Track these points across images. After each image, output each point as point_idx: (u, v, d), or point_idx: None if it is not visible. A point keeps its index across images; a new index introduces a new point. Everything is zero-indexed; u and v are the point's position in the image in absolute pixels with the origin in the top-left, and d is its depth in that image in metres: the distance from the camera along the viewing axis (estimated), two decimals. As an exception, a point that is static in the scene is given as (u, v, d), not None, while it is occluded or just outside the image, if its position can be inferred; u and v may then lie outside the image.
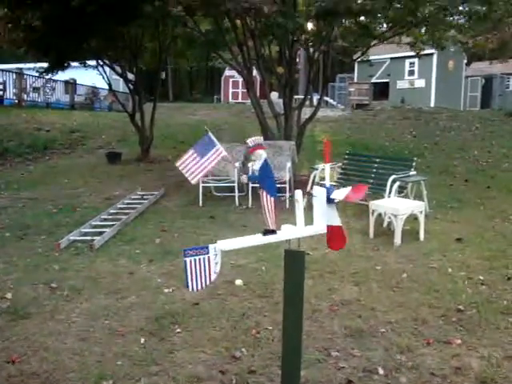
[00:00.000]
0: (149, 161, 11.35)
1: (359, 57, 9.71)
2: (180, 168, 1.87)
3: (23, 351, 3.13)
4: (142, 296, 4.04)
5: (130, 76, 11.63)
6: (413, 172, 6.01)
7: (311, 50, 8.48)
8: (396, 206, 5.08)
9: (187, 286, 1.86)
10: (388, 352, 2.97)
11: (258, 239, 1.93)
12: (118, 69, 11.48)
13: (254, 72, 11.78)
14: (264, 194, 1.93)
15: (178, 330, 3.38)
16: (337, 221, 2.02)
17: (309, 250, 5.02)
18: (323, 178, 7.61)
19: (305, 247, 5.12)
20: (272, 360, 2.94)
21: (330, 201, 1.98)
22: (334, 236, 2.02)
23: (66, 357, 3.05)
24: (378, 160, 6.60)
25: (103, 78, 10.81)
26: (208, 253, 1.85)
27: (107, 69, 11.19)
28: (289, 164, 7.09)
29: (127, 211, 6.94)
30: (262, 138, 1.96)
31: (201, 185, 7.42)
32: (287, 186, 7.00)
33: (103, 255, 5.17)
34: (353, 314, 3.52)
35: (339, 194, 1.97)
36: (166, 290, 4.15)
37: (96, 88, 19.42)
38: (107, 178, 9.87)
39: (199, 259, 1.84)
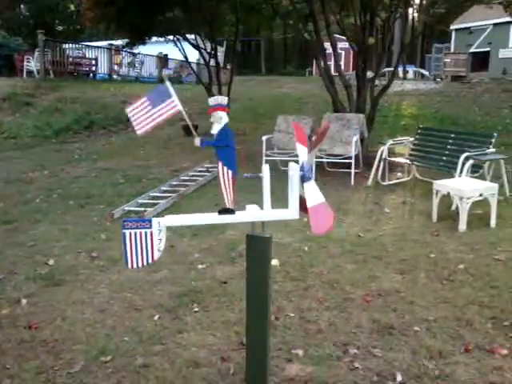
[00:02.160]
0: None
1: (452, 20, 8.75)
2: (129, 115, 1.64)
3: (43, 318, 3.15)
4: (173, 271, 3.94)
5: (209, 48, 11.54)
6: (491, 149, 5.27)
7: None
8: (462, 187, 4.47)
9: (125, 263, 1.64)
10: (415, 356, 2.57)
11: (211, 218, 1.66)
12: (200, 42, 11.47)
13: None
14: (220, 166, 1.65)
15: (196, 309, 3.22)
16: (319, 197, 1.68)
17: (361, 232, 4.64)
18: (394, 153, 7.04)
19: (356, 229, 4.81)
20: (281, 351, 2.68)
21: (305, 179, 1.65)
22: (319, 216, 1.69)
23: (79, 327, 3.02)
24: (452, 135, 5.88)
25: (179, 50, 10.84)
26: (151, 227, 1.62)
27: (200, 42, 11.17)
28: (355, 138, 6.60)
29: (188, 183, 6.92)
30: (226, 98, 1.66)
31: (264, 158, 7.20)
32: (353, 161, 6.54)
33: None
34: (387, 306, 3.13)
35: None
36: (200, 266, 4.01)
37: (185, 62, 19.71)
38: (180, 151, 9.99)
39: (140, 233, 1.61)
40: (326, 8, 7.28)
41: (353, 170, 6.52)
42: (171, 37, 11.04)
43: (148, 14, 9.15)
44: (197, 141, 1.66)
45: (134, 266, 1.64)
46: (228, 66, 22.77)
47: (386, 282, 3.49)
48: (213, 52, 11.19)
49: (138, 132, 1.64)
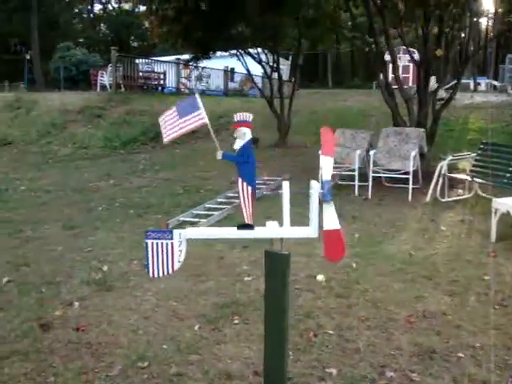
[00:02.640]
0: (286, 146, 11.35)
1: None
2: (160, 123, 1.70)
3: (91, 321, 3.29)
4: (220, 282, 3.99)
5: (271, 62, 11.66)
6: None
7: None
8: (523, 206, 4.22)
9: (147, 272, 1.69)
10: None
11: (230, 232, 1.68)
12: (263, 56, 11.62)
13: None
14: (240, 181, 1.67)
15: (236, 321, 3.25)
16: (334, 223, 1.65)
17: (413, 250, 4.49)
18: (456, 169, 6.76)
19: (408, 247, 4.65)
20: (315, 369, 2.64)
21: (325, 199, 1.62)
22: (332, 243, 1.66)
23: (123, 332, 3.13)
24: (519, 151, 5.58)
25: (242, 64, 11.05)
26: (172, 238, 1.66)
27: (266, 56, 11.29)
28: (413, 153, 6.40)
29: (244, 195, 7.01)
30: (251, 115, 1.68)
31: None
32: (410, 176, 6.34)
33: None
34: (431, 329, 2.99)
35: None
36: (246, 278, 4.04)
37: (249, 75, 20.08)
38: (240, 162, 10.13)
39: (162, 243, 1.66)
40: (386, 20, 7.16)
41: (410, 186, 6.32)
42: (234, 51, 11.28)
43: (213, 29, 9.43)
44: (219, 154, 1.70)
45: (156, 275, 1.69)
46: (293, 80, 22.97)
47: (432, 303, 3.35)
48: (275, 65, 11.29)
49: (165, 140, 1.70)
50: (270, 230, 1.70)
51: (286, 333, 1.71)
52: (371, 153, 6.61)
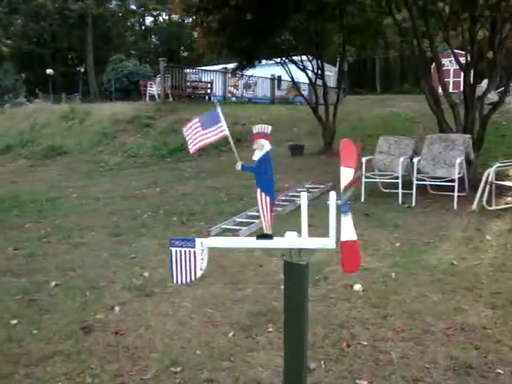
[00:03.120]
0: (330, 154, 11.28)
1: None
2: (185, 133, 1.76)
3: (129, 326, 3.40)
4: (257, 290, 4.02)
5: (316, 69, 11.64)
6: None
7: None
8: None
9: (172, 278, 1.75)
10: (491, 400, 2.36)
11: (249, 242, 1.70)
12: (308, 64, 11.63)
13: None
14: (259, 192, 1.69)
15: (270, 330, 3.26)
16: (352, 234, 1.65)
17: (456, 260, 4.36)
18: (508, 176, 6.50)
19: (451, 257, 4.51)
20: (346, 380, 2.61)
21: (343, 211, 1.62)
22: (348, 254, 1.65)
23: (159, 337, 3.21)
24: None
25: (286, 72, 11.10)
26: (194, 247, 1.71)
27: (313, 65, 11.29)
28: (459, 160, 6.21)
29: (285, 203, 7.02)
30: (269, 127, 1.71)
31: (364, 180, 7.08)
32: (456, 184, 6.15)
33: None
34: (470, 343, 2.90)
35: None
36: (283, 287, 4.04)
37: (296, 83, 20.13)
38: (285, 170, 10.14)
39: (185, 251, 1.71)
40: (430, 24, 7.01)
41: (456, 194, 6.14)
42: (279, 59, 11.34)
43: (257, 39, 9.54)
44: (238, 165, 1.73)
45: (179, 282, 1.74)
46: (340, 86, 22.77)
47: (472, 316, 3.24)
48: (319, 72, 11.27)
49: (191, 151, 1.75)
50: (287, 241, 1.71)
51: (305, 342, 1.72)
52: (415, 160, 6.47)
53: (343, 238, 1.64)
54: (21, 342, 3.19)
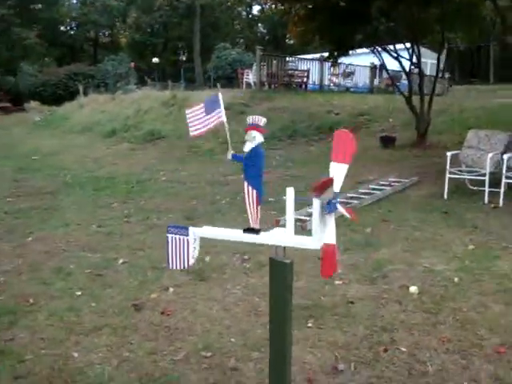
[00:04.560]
0: (423, 147, 10.69)
1: None
2: (187, 116, 1.78)
3: (177, 307, 3.54)
4: (310, 283, 3.96)
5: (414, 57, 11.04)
6: None
7: None
8: None
9: (167, 263, 1.78)
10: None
11: (236, 235, 1.68)
12: (404, 52, 11.09)
13: None
14: (246, 185, 1.66)
15: (310, 325, 3.21)
16: (332, 238, 1.55)
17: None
18: None
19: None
20: (372, 385, 2.50)
21: (326, 211, 1.53)
22: (325, 259, 1.56)
23: (200, 321, 3.30)
24: None
25: (379, 60, 10.66)
26: (187, 235, 1.73)
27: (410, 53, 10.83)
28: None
29: (363, 196, 6.81)
30: (263, 118, 1.66)
31: (447, 175, 6.64)
32: None
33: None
34: (521, 363, 2.62)
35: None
36: (337, 282, 3.96)
37: (397, 71, 19.27)
38: (372, 162, 9.81)
39: (179, 239, 1.73)
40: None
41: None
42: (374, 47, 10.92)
43: (348, 26, 9.27)
44: (229, 154, 1.72)
45: (174, 267, 1.78)
46: (446, 76, 21.41)
47: (535, 333, 2.92)
48: (416, 61, 10.68)
49: (191, 134, 1.77)
50: (271, 237, 1.67)
51: (289, 340, 1.67)
52: (505, 156, 5.91)
53: (329, 241, 1.56)
54: (79, 312, 3.47)
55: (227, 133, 1.68)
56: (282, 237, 1.65)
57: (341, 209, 1.53)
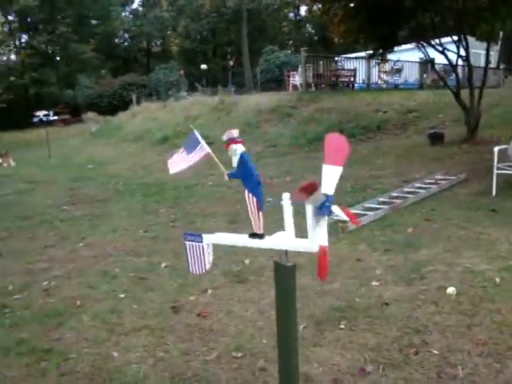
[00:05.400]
0: (474, 142, 10.33)
1: None
2: (168, 161, 1.85)
3: (213, 309, 3.64)
4: (346, 284, 3.97)
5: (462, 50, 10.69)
6: None
7: None
8: None
9: (188, 268, 1.87)
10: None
11: (242, 240, 1.74)
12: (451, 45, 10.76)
13: None
14: (246, 192, 1.71)
15: (342, 327, 3.22)
16: (324, 240, 1.58)
17: None
18: None
19: None
20: (399, 387, 2.49)
21: (318, 213, 1.55)
22: (319, 261, 1.59)
23: (234, 323, 3.39)
24: None
25: (425, 56, 10.39)
26: (202, 241, 1.81)
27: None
28: None
29: (408, 196, 6.69)
30: (236, 130, 1.70)
31: (495, 172, 6.41)
32: None
33: (349, 237, 5.24)
34: (558, 367, 2.52)
35: (337, 210, 1.54)
36: (374, 283, 3.94)
37: (449, 66, 18.65)
38: (420, 160, 9.60)
39: (195, 245, 1.82)
40: None
41: None
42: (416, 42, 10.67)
43: (390, 23, 9.12)
44: (225, 176, 1.78)
45: (193, 272, 1.87)
46: (501, 66, 20.46)
47: None
48: (464, 54, 10.34)
49: (171, 172, 1.81)
50: (271, 241, 1.72)
51: (295, 343, 1.72)
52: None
53: (324, 243, 1.59)
54: (120, 313, 3.65)
55: (215, 159, 1.74)
56: (283, 241, 1.69)
57: (339, 212, 1.56)
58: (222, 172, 1.72)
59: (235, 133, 1.67)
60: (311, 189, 1.48)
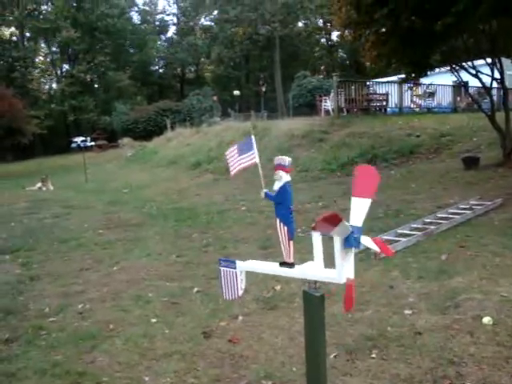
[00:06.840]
0: (510, 166, 10.09)
1: None
2: (226, 158, 1.92)
3: (243, 336, 3.65)
4: (378, 312, 3.92)
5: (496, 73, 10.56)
6: None
7: None
8: None
9: (222, 294, 1.91)
10: None
11: (273, 268, 1.77)
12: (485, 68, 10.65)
13: None
14: (278, 222, 1.75)
15: (373, 356, 3.18)
16: (351, 273, 1.59)
17: None
18: None
19: None
20: (431, 420, 2.43)
21: (351, 244, 1.57)
22: (347, 293, 1.59)
23: (265, 350, 3.39)
24: None
25: (457, 79, 10.30)
26: (235, 268, 1.85)
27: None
28: None
29: (442, 221, 6.57)
30: (288, 158, 1.75)
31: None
32: None
33: (382, 264, 5.17)
34: None
35: (368, 242, 1.56)
36: (406, 312, 3.87)
37: (483, 88, 18.42)
38: (454, 185, 9.43)
39: (229, 271, 1.86)
40: None
41: None
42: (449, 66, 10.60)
43: (421, 47, 9.12)
44: (262, 193, 1.82)
45: (227, 298, 1.91)
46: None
47: None
48: (498, 77, 10.21)
49: (231, 173, 1.89)
50: (300, 271, 1.74)
51: (324, 372, 1.72)
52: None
53: (352, 276, 1.60)
54: (152, 338, 3.70)
55: (260, 173, 1.79)
56: (312, 270, 1.71)
57: (370, 244, 1.57)
58: (261, 185, 1.77)
59: (287, 161, 1.72)
60: (334, 220, 1.50)
